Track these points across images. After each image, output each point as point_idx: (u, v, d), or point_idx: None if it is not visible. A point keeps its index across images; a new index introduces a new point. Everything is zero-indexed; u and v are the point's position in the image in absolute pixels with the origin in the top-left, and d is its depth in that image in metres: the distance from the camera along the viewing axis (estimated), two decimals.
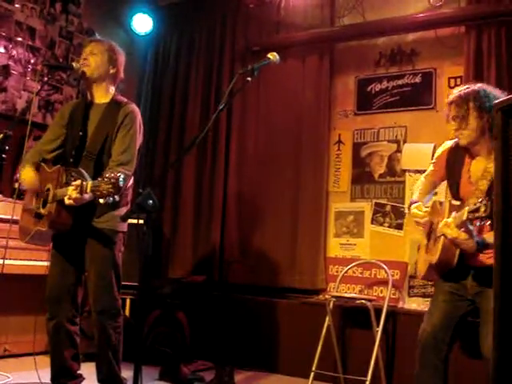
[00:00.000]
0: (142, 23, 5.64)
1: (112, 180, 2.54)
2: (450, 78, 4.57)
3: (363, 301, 3.91)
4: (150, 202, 2.10)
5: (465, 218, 2.46)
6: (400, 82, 4.74)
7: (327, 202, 4.91)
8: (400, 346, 4.09)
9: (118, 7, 5.63)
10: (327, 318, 4.02)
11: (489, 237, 2.54)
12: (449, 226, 2.57)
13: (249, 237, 5.17)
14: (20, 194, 4.14)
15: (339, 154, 4.97)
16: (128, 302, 4.52)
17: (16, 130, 2.99)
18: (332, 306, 4.04)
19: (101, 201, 2.62)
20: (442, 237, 2.66)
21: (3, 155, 2.90)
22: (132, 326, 3.77)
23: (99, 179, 2.62)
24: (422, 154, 4.47)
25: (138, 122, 3.18)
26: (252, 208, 5.21)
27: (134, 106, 3.22)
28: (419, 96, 4.63)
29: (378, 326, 3.82)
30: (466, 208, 2.46)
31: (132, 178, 3.15)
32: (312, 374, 3.95)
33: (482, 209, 2.36)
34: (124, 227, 3.15)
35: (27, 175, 3.13)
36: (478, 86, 2.78)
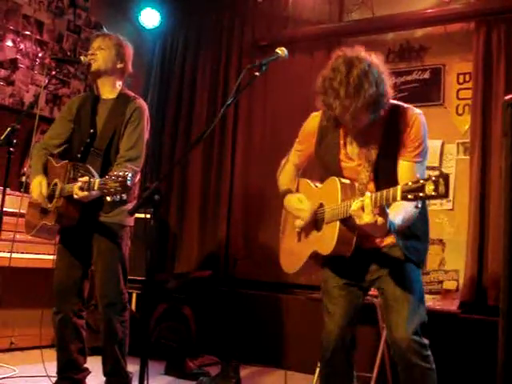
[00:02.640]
0: (150, 17, 5.63)
1: (120, 179, 2.54)
2: (458, 74, 4.54)
3: (369, 297, 3.90)
4: (157, 196, 2.10)
5: (399, 198, 1.95)
6: (408, 77, 4.71)
7: None
8: None
9: (126, 1, 5.63)
10: None
11: (393, 216, 2.15)
12: (365, 209, 2.05)
13: (255, 232, 5.16)
14: (27, 188, 4.15)
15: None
16: (134, 296, 4.53)
17: (23, 123, 2.98)
18: None
19: (108, 199, 2.62)
20: (337, 222, 2.25)
21: (11, 149, 2.90)
22: (138, 320, 3.79)
23: (107, 177, 2.61)
24: (429, 150, 4.43)
25: (146, 118, 3.17)
26: (258, 203, 5.20)
27: (141, 101, 3.21)
28: (428, 92, 4.60)
29: (383, 323, 3.81)
30: (399, 187, 1.96)
31: (139, 174, 3.15)
32: (317, 369, 3.94)
33: (431, 187, 1.84)
34: (131, 221, 3.15)
35: (35, 189, 3.07)
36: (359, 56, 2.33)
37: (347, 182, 2.37)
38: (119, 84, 3.25)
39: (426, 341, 2.34)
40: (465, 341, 3.80)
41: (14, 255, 3.48)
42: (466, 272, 4.17)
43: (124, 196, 2.57)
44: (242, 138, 5.33)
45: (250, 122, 5.34)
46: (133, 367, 3.05)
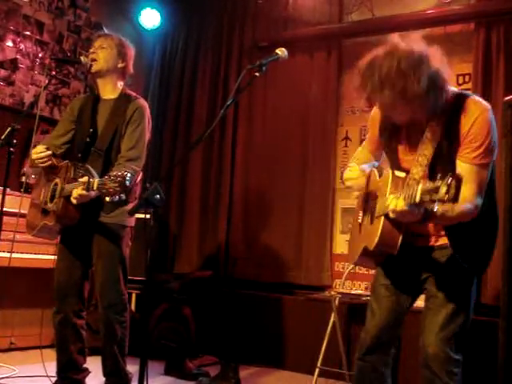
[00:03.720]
0: (150, 18, 5.63)
1: (118, 179, 2.54)
2: (458, 75, 4.54)
3: (369, 297, 3.90)
4: (157, 196, 2.10)
5: (418, 200, 1.86)
6: None
7: (334, 199, 4.90)
8: (405, 343, 4.07)
9: (126, 1, 5.63)
10: (333, 315, 4.01)
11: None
12: (398, 200, 1.99)
13: (255, 233, 5.17)
14: (27, 188, 4.16)
15: (346, 150, 4.96)
16: (134, 296, 4.53)
17: (23, 123, 2.99)
18: (337, 302, 4.03)
19: (107, 199, 2.63)
20: (382, 217, 2.13)
21: (11, 149, 2.91)
22: (137, 321, 3.79)
23: (106, 177, 2.62)
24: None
25: (147, 118, 3.18)
26: (258, 204, 5.20)
27: (142, 101, 3.22)
28: None
29: None
30: (420, 186, 1.86)
31: (141, 174, 3.15)
32: (317, 370, 3.95)
33: (444, 189, 1.74)
34: (131, 222, 3.16)
35: (39, 153, 3.09)
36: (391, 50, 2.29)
37: (401, 175, 2.22)
38: (120, 84, 3.26)
39: (457, 356, 2.23)
40: (465, 341, 3.79)
41: (13, 255, 3.48)
42: None
43: (123, 196, 2.57)
44: (242, 139, 5.34)
45: (249, 122, 5.34)
46: (132, 367, 3.06)
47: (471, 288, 2.27)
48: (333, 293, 4.22)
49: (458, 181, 1.74)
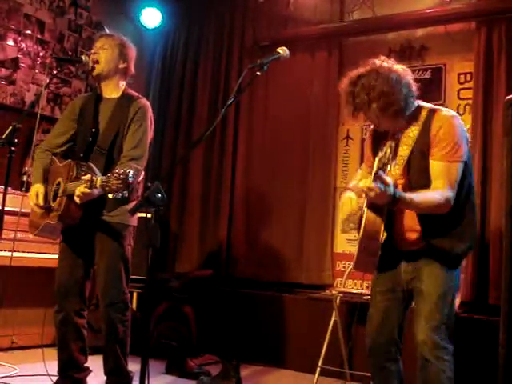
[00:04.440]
0: (151, 17, 5.63)
1: (121, 176, 2.55)
2: (459, 74, 4.54)
3: (370, 296, 3.90)
4: (159, 195, 2.10)
5: (375, 167, 2.33)
6: None
7: (335, 198, 4.90)
8: (406, 342, 4.07)
9: (127, 1, 5.63)
10: (334, 314, 4.02)
11: (406, 193, 2.36)
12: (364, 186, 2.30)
13: (256, 232, 5.17)
14: (28, 187, 4.15)
15: (347, 149, 4.96)
16: (135, 295, 4.54)
17: (25, 122, 2.98)
18: (339, 301, 4.04)
19: (110, 196, 2.63)
20: (365, 209, 2.47)
21: (12, 148, 2.90)
22: (139, 320, 3.79)
23: (109, 175, 2.63)
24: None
25: (149, 117, 3.19)
26: (259, 203, 5.20)
27: (144, 101, 3.22)
28: (429, 92, 4.58)
29: None
30: (376, 158, 2.38)
31: (143, 173, 3.16)
32: (318, 369, 3.95)
33: (388, 150, 2.31)
34: (134, 221, 3.16)
35: (32, 197, 3.10)
36: (369, 67, 2.58)
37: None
38: (122, 84, 3.26)
39: (446, 344, 2.42)
40: (465, 340, 3.79)
41: (15, 254, 3.47)
42: (466, 271, 4.17)
43: (126, 193, 2.58)
44: (243, 138, 5.34)
45: (250, 121, 5.34)
46: (133, 366, 3.05)
47: (449, 280, 2.50)
48: (334, 292, 4.23)
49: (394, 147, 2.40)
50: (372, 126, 2.73)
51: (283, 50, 2.59)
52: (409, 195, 2.34)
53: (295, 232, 4.97)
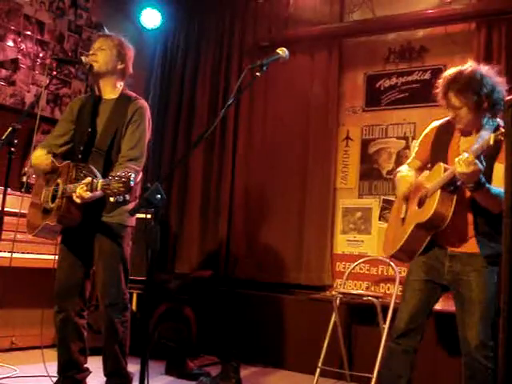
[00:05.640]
0: (151, 18, 5.63)
1: (123, 179, 2.55)
2: None
3: (370, 298, 3.90)
4: (158, 196, 2.10)
5: (491, 142, 2.37)
6: (409, 78, 4.72)
7: (335, 199, 4.91)
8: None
9: (127, 1, 5.63)
10: (334, 315, 4.02)
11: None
12: (466, 157, 2.45)
13: (256, 232, 5.17)
14: (28, 188, 4.16)
15: (347, 150, 4.96)
16: (135, 296, 4.53)
17: (24, 123, 2.98)
18: (338, 302, 4.03)
19: (111, 199, 2.63)
20: (438, 191, 2.59)
21: (12, 149, 2.90)
22: (138, 320, 3.79)
23: (110, 177, 2.63)
24: None
25: (147, 118, 3.18)
26: (259, 203, 5.20)
27: (143, 102, 3.22)
28: (428, 93, 4.55)
29: (384, 323, 3.81)
30: (492, 135, 2.39)
31: (141, 174, 3.15)
32: (318, 370, 3.95)
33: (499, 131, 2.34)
34: (132, 222, 3.16)
35: (38, 157, 3.13)
36: (474, 69, 2.72)
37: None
38: (120, 84, 3.26)
39: (491, 343, 2.59)
40: None
41: (14, 255, 3.48)
42: None
43: (127, 196, 2.58)
44: (243, 138, 5.34)
45: (250, 122, 5.34)
46: (133, 367, 3.06)
47: (494, 280, 2.65)
48: (334, 293, 4.22)
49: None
50: (437, 123, 2.90)
51: (283, 51, 2.59)
52: (488, 185, 2.49)
53: (295, 233, 4.96)
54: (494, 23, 4.28)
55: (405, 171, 2.94)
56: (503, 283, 1.66)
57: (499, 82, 2.71)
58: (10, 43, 4.79)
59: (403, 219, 2.87)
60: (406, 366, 2.76)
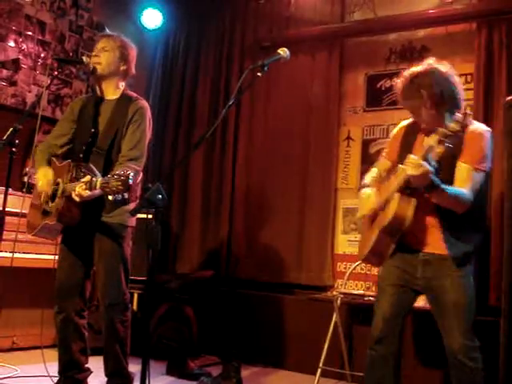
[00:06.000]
0: (152, 18, 5.63)
1: (122, 177, 2.55)
2: (460, 75, 4.46)
3: (371, 298, 3.90)
4: (159, 196, 2.10)
5: (434, 143, 2.38)
6: None
7: (335, 199, 4.90)
8: (407, 343, 4.08)
9: (128, 2, 5.63)
10: (334, 315, 4.01)
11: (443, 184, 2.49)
12: (413, 159, 2.44)
13: (256, 233, 5.17)
14: (29, 188, 4.16)
15: (348, 150, 4.96)
16: (136, 296, 4.54)
17: (25, 123, 2.98)
18: (339, 302, 4.03)
19: (110, 197, 2.64)
20: (396, 194, 2.58)
21: (13, 149, 2.91)
22: (139, 321, 3.79)
23: (109, 176, 2.63)
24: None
25: (148, 118, 3.19)
26: (260, 204, 5.20)
27: (143, 102, 3.22)
28: None
29: None
30: (434, 135, 2.40)
31: (141, 174, 3.16)
32: (319, 370, 3.95)
33: (454, 124, 2.34)
34: (133, 222, 3.16)
35: (42, 178, 3.10)
36: (428, 68, 2.70)
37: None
38: (122, 85, 3.26)
39: (475, 343, 2.56)
40: None
41: (15, 255, 3.48)
42: None
43: (126, 195, 2.58)
44: (244, 138, 5.34)
45: (251, 122, 5.34)
46: (134, 367, 3.06)
47: (470, 281, 2.62)
48: (335, 293, 4.23)
49: (465, 115, 2.33)
50: (405, 123, 2.89)
51: (284, 51, 2.59)
52: (442, 184, 2.45)
53: (296, 233, 4.96)
54: (494, 23, 4.28)
55: (367, 193, 2.90)
56: (504, 283, 1.66)
57: (454, 79, 2.70)
58: (11, 43, 4.80)
59: (372, 222, 2.84)
60: (388, 373, 2.71)
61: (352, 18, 5.04)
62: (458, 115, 2.30)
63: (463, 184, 2.55)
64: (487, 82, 4.25)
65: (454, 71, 2.75)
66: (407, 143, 2.80)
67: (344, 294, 4.07)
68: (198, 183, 5.47)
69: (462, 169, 2.57)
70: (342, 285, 4.41)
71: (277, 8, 5.31)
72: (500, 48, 4.23)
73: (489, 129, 2.70)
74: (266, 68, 2.49)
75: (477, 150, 2.59)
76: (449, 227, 2.60)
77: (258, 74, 2.48)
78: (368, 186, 2.94)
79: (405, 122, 2.91)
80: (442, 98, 2.61)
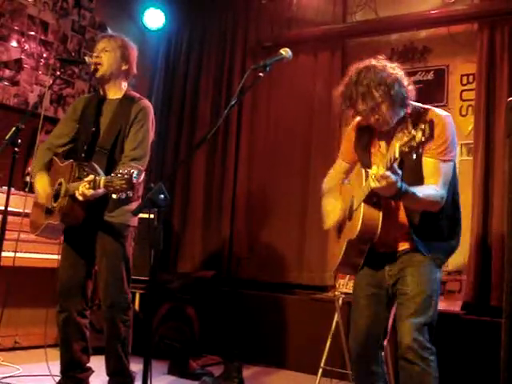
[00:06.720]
0: (154, 18, 5.63)
1: (126, 176, 2.55)
2: (462, 76, 4.54)
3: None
4: (162, 196, 2.10)
5: (397, 154, 2.14)
6: (412, 78, 4.66)
7: None
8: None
9: (131, 2, 5.64)
10: (336, 315, 4.01)
11: (409, 186, 2.31)
12: (379, 169, 2.24)
13: (258, 233, 5.17)
14: (31, 188, 4.16)
15: None
16: (137, 295, 4.54)
17: (28, 123, 2.98)
18: (341, 302, 4.03)
19: (114, 196, 2.64)
20: (362, 204, 2.41)
21: (15, 149, 2.91)
22: (141, 320, 3.80)
23: (112, 175, 2.63)
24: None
25: (151, 118, 3.20)
26: (261, 204, 5.21)
27: (146, 102, 3.23)
28: (431, 93, 4.60)
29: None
30: (397, 143, 2.14)
31: (144, 174, 3.16)
32: (320, 370, 3.95)
33: (419, 133, 2.04)
34: (135, 222, 3.17)
35: (40, 185, 3.12)
36: (368, 65, 2.49)
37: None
38: (124, 85, 3.27)
39: (429, 345, 2.39)
40: (468, 341, 3.79)
41: (18, 255, 3.48)
42: (468, 273, 4.17)
43: (130, 193, 2.58)
44: (246, 139, 5.34)
45: (253, 122, 5.35)
46: (136, 367, 3.06)
47: (435, 278, 2.50)
48: (336, 293, 4.22)
49: (430, 122, 2.05)
50: (356, 122, 2.71)
51: (286, 51, 2.59)
52: (411, 189, 2.31)
53: (297, 233, 4.97)
54: (496, 23, 4.28)
55: (331, 203, 2.78)
56: (505, 283, 1.67)
57: (397, 74, 2.51)
58: (14, 43, 4.81)
59: (340, 233, 2.74)
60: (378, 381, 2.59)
61: (354, 18, 5.05)
62: (422, 126, 2.05)
63: (433, 180, 2.41)
64: (489, 83, 4.25)
65: (395, 64, 2.57)
66: (363, 144, 2.65)
67: (345, 293, 4.06)
68: (200, 183, 5.48)
69: (429, 164, 2.42)
70: (343, 285, 4.40)
71: (279, 8, 5.31)
72: (502, 48, 4.23)
73: (447, 113, 2.54)
74: (268, 68, 2.48)
75: (441, 141, 2.42)
76: (419, 227, 2.46)
77: (260, 74, 2.47)
78: (330, 191, 2.83)
79: (357, 119, 2.71)
80: (393, 95, 2.44)
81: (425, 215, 2.45)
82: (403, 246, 2.52)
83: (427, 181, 2.42)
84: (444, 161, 2.44)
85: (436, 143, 2.38)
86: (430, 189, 2.38)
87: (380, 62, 2.53)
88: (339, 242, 2.72)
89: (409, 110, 2.55)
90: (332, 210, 2.77)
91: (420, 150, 2.11)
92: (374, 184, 2.25)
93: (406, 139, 2.09)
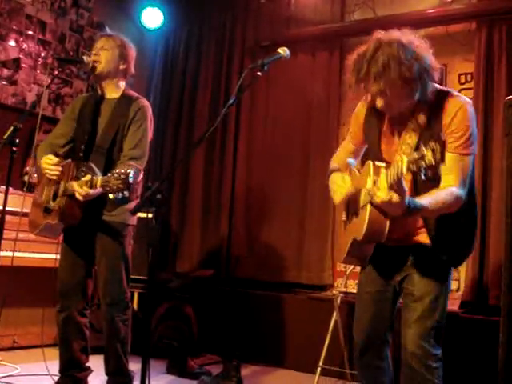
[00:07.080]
0: (152, 17, 5.63)
1: (122, 176, 2.56)
2: (460, 75, 4.55)
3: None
4: (160, 195, 2.11)
5: (404, 170, 1.90)
6: None
7: None
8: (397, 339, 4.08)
9: (129, 1, 5.64)
10: (334, 314, 4.02)
11: (420, 198, 2.11)
12: (377, 186, 2.03)
13: (257, 232, 5.17)
14: (30, 187, 4.16)
15: None
16: (136, 295, 4.54)
17: (26, 123, 2.98)
18: (339, 301, 4.04)
19: (110, 196, 2.64)
20: (368, 205, 2.15)
21: (13, 148, 2.91)
22: (140, 319, 3.80)
23: (109, 175, 2.64)
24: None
25: (149, 117, 3.20)
26: (260, 203, 5.21)
27: (145, 101, 3.23)
28: None
29: None
30: (404, 158, 1.89)
31: (142, 173, 3.16)
32: (319, 369, 3.95)
33: (429, 154, 1.79)
34: (134, 221, 3.17)
35: (46, 160, 3.09)
36: (388, 41, 2.18)
37: (382, 164, 2.19)
38: (122, 84, 3.27)
39: (436, 351, 2.27)
40: (466, 340, 3.80)
41: (16, 254, 3.48)
42: (467, 272, 4.18)
43: (126, 193, 2.59)
44: (244, 138, 5.34)
45: (251, 121, 5.35)
46: (134, 366, 3.06)
47: (447, 282, 2.35)
48: (334, 292, 4.23)
49: (442, 145, 1.78)
50: (366, 103, 2.44)
51: (284, 51, 2.58)
52: (421, 203, 2.08)
53: (296, 232, 4.97)
54: (494, 23, 4.29)
55: (339, 178, 2.54)
56: (503, 282, 1.67)
57: (422, 48, 2.24)
58: (12, 43, 4.80)
59: (345, 224, 2.55)
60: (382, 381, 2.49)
61: (352, 17, 5.05)
62: (432, 144, 1.80)
63: (451, 177, 2.16)
64: (487, 82, 4.26)
65: (415, 37, 2.28)
66: (373, 134, 2.41)
67: (344, 293, 4.07)
68: (198, 182, 5.48)
69: (447, 158, 1.93)
70: (341, 284, 4.41)
71: (277, 7, 5.31)
72: (500, 47, 4.24)
73: (469, 100, 2.29)
74: (265, 67, 2.48)
75: (460, 133, 2.18)
76: (434, 220, 2.26)
77: (258, 73, 2.47)
78: (338, 170, 2.60)
79: (365, 102, 2.45)
80: (413, 76, 2.14)
81: (442, 218, 2.24)
82: (415, 240, 2.34)
83: (444, 178, 2.16)
84: (464, 154, 2.19)
85: (454, 136, 2.18)
86: (444, 193, 2.15)
87: (406, 35, 2.24)
88: (345, 233, 2.53)
89: (428, 95, 2.23)
90: (341, 183, 2.50)
91: (429, 173, 1.86)
92: (374, 200, 2.05)
93: (416, 156, 1.85)
